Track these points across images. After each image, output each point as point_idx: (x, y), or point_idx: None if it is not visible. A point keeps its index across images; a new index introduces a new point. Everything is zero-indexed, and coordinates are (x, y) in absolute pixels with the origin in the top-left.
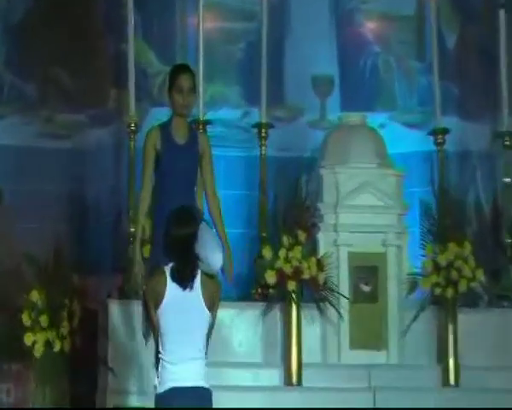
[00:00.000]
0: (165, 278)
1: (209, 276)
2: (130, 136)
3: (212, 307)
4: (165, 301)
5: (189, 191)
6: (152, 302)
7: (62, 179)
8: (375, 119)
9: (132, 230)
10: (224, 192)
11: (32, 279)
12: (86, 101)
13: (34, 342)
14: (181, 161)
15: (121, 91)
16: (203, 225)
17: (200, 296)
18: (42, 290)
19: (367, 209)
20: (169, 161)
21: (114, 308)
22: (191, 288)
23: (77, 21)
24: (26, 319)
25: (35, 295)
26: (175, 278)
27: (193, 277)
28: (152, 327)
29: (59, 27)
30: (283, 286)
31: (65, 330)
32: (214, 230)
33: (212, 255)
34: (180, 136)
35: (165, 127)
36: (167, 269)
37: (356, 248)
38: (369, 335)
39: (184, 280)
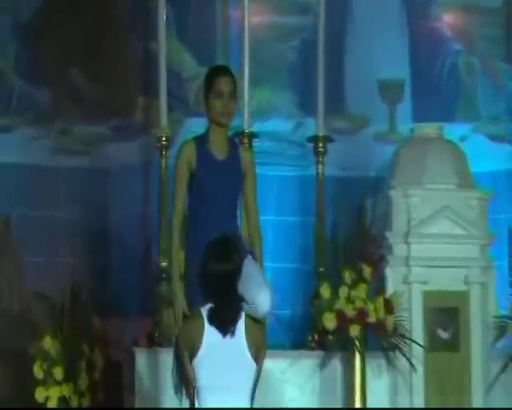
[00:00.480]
0: (202, 321)
1: (254, 319)
2: (161, 152)
3: (257, 356)
4: (201, 350)
5: (231, 217)
6: (186, 351)
7: (80, 204)
8: (454, 130)
9: (164, 264)
10: (274, 219)
11: (45, 323)
12: (108, 110)
13: (47, 399)
14: (221, 181)
15: (150, 99)
16: (248, 260)
17: (245, 344)
18: (56, 337)
19: (445, 239)
20: (206, 180)
21: (142, 358)
22: (233, 334)
23: (97, 17)
24: (37, 371)
25: (48, 343)
26: (214, 322)
27: (235, 320)
28: (186, 381)
29: (76, 24)
30: (345, 332)
31: (83, 384)
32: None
33: (260, 296)
34: (219, 150)
35: (201, 140)
36: (204, 311)
37: (432, 285)
38: (447, 390)
39: (225, 324)
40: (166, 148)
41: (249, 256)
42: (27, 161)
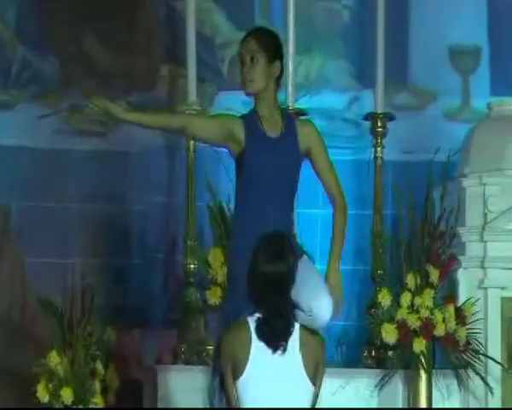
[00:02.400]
0: (249, 333)
1: (311, 332)
2: None
3: (315, 376)
4: (248, 367)
5: (286, 209)
6: (229, 369)
7: (93, 194)
8: None
9: (191, 266)
10: (322, 212)
11: (50, 336)
12: (127, 83)
13: None
14: (273, 162)
15: (176, 69)
16: (304, 260)
17: (300, 362)
18: (64, 352)
19: None
20: (256, 161)
21: (166, 377)
22: (285, 350)
23: None
24: (42, 393)
25: (54, 359)
26: (263, 335)
27: (288, 333)
28: (229, 406)
29: None
30: (407, 346)
31: (96, 407)
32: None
33: (318, 302)
34: (271, 126)
35: (250, 117)
36: (251, 321)
37: None
38: None
39: (276, 338)
40: None
41: (305, 257)
42: (31, 144)
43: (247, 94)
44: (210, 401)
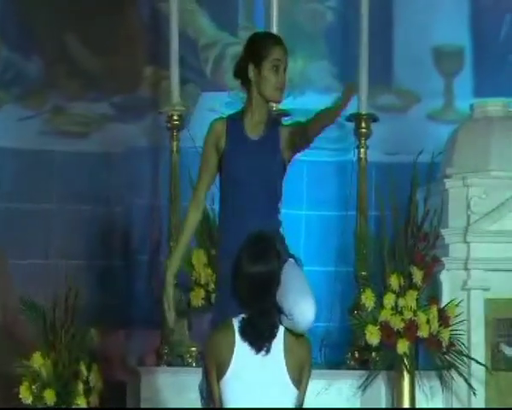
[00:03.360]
0: (233, 334)
1: (295, 334)
2: (173, 133)
3: (299, 380)
4: (231, 367)
5: (270, 210)
6: (213, 369)
7: (76, 196)
8: None
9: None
10: (306, 213)
11: (34, 338)
12: (110, 84)
13: None
14: (255, 165)
15: (159, 70)
16: (290, 263)
17: (283, 365)
18: (47, 354)
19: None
20: (236, 163)
21: (149, 379)
22: (268, 350)
23: None
24: (24, 395)
25: (38, 360)
26: (246, 335)
27: (272, 334)
28: (213, 405)
29: None
30: (391, 348)
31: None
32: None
33: (300, 306)
34: (256, 129)
35: (235, 118)
36: (236, 323)
37: (495, 293)
38: None
39: (260, 338)
40: (179, 128)
41: (290, 260)
42: (14, 145)
43: (276, 101)
44: (201, 400)
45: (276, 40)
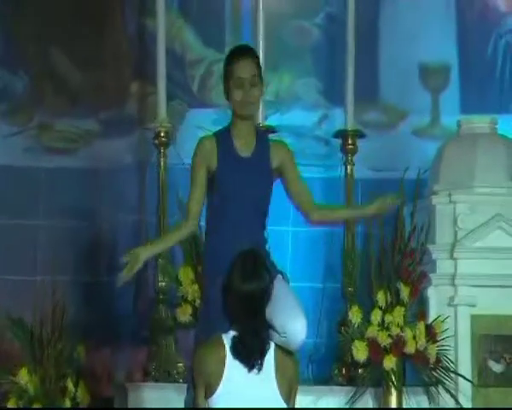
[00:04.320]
0: (224, 351)
1: (286, 352)
2: (160, 150)
3: (288, 396)
4: (221, 385)
5: (258, 228)
6: (202, 386)
7: (62, 211)
8: (509, 124)
9: (162, 283)
10: (293, 230)
11: (20, 354)
12: (96, 100)
13: None
14: (245, 182)
15: (146, 86)
16: (279, 280)
17: (274, 382)
18: (34, 370)
19: (498, 253)
20: (228, 181)
21: (136, 395)
22: (260, 369)
23: None
24: None
25: (24, 376)
26: (238, 353)
27: (263, 352)
28: None
29: None
30: (378, 364)
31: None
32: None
33: (293, 323)
34: (244, 146)
35: (223, 135)
36: (226, 339)
37: (482, 309)
38: None
39: (251, 356)
40: (166, 145)
41: (279, 276)
42: (0, 161)
43: (244, 117)
44: None
45: (239, 55)
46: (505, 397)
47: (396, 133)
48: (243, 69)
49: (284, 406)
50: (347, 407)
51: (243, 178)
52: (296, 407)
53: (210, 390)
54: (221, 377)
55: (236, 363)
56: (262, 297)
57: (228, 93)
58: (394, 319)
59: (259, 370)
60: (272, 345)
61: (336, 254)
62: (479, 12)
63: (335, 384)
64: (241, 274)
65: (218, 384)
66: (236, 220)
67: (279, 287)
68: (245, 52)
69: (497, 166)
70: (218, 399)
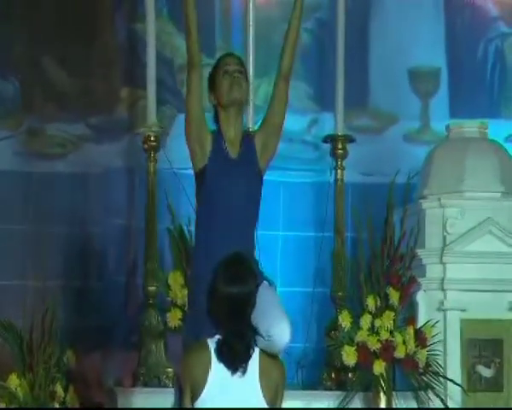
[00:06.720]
0: (209, 355)
1: (270, 356)
2: (149, 154)
3: (273, 400)
4: (206, 388)
5: (247, 232)
6: (188, 388)
7: (52, 216)
8: (499, 128)
9: (151, 288)
10: (283, 234)
11: (10, 359)
12: (87, 105)
13: None
14: (233, 184)
15: (136, 91)
16: (265, 286)
17: (257, 385)
18: (23, 375)
19: (488, 258)
20: (217, 182)
21: (126, 400)
22: (244, 372)
23: None
24: None
25: (14, 382)
26: (222, 357)
27: (248, 356)
28: None
29: (48, 4)
30: (367, 369)
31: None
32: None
33: (278, 327)
34: (233, 146)
35: (217, 135)
36: (211, 343)
37: (472, 313)
38: None
39: (236, 360)
40: (155, 149)
41: (265, 282)
42: None
43: (235, 101)
44: None
45: (226, 55)
46: (494, 401)
47: (386, 138)
48: (231, 61)
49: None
50: None
51: (232, 179)
52: None
53: (195, 394)
54: (206, 381)
55: (221, 367)
56: (246, 301)
57: (215, 89)
58: (384, 324)
59: (243, 373)
60: (257, 350)
61: (326, 259)
62: (468, 17)
63: (325, 389)
64: (225, 277)
65: (202, 388)
66: (225, 223)
67: (264, 293)
68: (232, 54)
69: (486, 170)
70: (202, 402)
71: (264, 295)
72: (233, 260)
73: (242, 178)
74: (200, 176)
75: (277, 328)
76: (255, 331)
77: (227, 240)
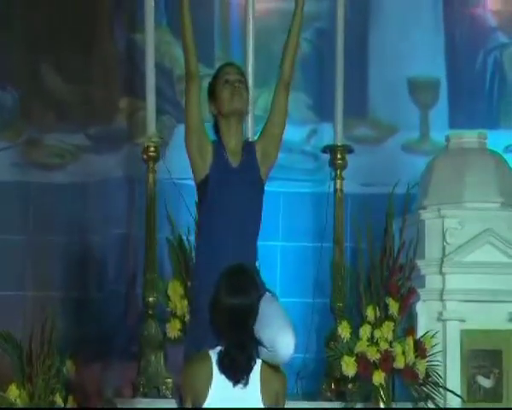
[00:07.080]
0: (211, 366)
1: (272, 367)
2: (149, 165)
3: None
4: (208, 399)
5: (249, 242)
6: (189, 399)
7: (51, 227)
8: (498, 139)
9: (150, 299)
10: (282, 245)
11: (9, 370)
12: (86, 115)
13: None
14: (235, 193)
15: (135, 101)
16: (267, 297)
17: (259, 397)
18: (23, 386)
19: (487, 269)
20: (219, 191)
21: None
22: (246, 384)
23: (72, 5)
24: None
25: (13, 392)
26: (224, 368)
27: (249, 367)
28: None
29: (47, 13)
30: (367, 379)
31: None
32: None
33: (281, 338)
34: (234, 156)
35: (218, 145)
36: (213, 354)
37: (471, 324)
38: None
39: (237, 371)
40: (154, 160)
41: (268, 294)
42: None
43: (235, 110)
44: None
45: (226, 64)
46: None
47: (385, 148)
48: (231, 71)
49: None
50: None
51: (234, 189)
52: None
53: (196, 405)
54: (207, 392)
55: (222, 378)
56: (248, 312)
57: (215, 98)
58: (383, 335)
59: (245, 385)
60: (259, 361)
61: (325, 270)
62: (467, 28)
63: (324, 400)
64: (227, 288)
65: (204, 399)
66: (227, 233)
67: (267, 304)
68: (232, 63)
69: (486, 181)
70: None
71: (267, 307)
72: (235, 270)
73: (244, 186)
74: (201, 186)
75: (281, 339)
76: (257, 343)
77: (229, 250)
